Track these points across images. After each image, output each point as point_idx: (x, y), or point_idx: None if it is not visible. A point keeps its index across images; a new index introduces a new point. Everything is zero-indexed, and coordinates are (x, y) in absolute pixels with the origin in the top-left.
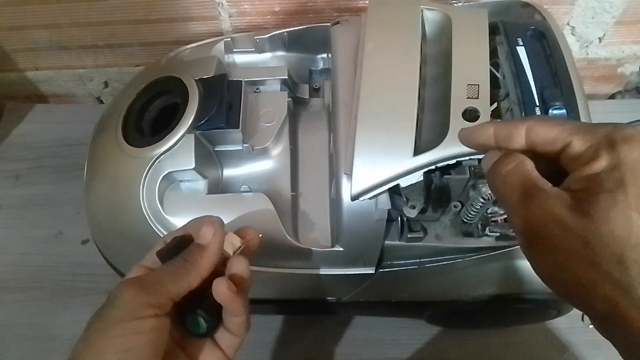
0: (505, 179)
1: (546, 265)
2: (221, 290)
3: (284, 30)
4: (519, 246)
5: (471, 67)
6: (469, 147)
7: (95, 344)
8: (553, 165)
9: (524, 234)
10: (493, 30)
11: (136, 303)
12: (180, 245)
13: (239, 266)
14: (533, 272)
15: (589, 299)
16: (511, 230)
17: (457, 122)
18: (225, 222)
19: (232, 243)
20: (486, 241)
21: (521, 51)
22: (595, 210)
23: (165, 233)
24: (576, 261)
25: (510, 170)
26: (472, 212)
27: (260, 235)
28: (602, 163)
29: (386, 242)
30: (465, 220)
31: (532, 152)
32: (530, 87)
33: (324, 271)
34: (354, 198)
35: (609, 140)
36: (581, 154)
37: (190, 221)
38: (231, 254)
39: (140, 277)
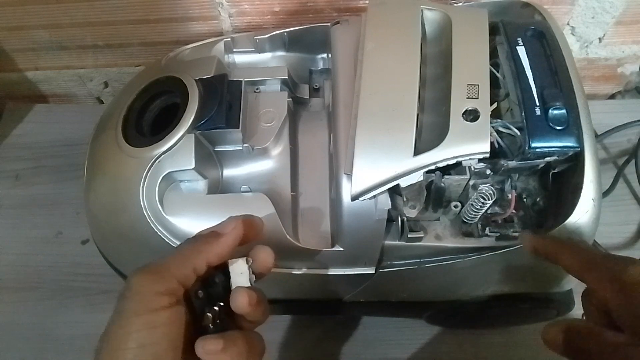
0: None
1: None
2: (240, 301)
3: (284, 30)
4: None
5: (471, 67)
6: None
7: (111, 341)
8: None
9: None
10: (493, 30)
11: (147, 292)
12: None
13: (263, 255)
14: (533, 272)
15: None
16: (511, 230)
17: (457, 122)
18: None
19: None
20: (486, 241)
21: (521, 51)
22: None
23: (166, 233)
24: None
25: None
26: (472, 212)
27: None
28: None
29: (386, 242)
30: (465, 220)
31: None
32: (530, 87)
33: (323, 271)
34: (354, 198)
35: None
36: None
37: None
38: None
39: (148, 264)
